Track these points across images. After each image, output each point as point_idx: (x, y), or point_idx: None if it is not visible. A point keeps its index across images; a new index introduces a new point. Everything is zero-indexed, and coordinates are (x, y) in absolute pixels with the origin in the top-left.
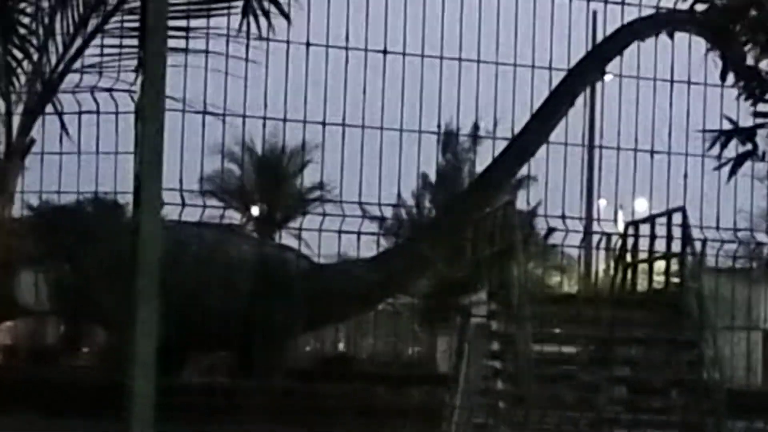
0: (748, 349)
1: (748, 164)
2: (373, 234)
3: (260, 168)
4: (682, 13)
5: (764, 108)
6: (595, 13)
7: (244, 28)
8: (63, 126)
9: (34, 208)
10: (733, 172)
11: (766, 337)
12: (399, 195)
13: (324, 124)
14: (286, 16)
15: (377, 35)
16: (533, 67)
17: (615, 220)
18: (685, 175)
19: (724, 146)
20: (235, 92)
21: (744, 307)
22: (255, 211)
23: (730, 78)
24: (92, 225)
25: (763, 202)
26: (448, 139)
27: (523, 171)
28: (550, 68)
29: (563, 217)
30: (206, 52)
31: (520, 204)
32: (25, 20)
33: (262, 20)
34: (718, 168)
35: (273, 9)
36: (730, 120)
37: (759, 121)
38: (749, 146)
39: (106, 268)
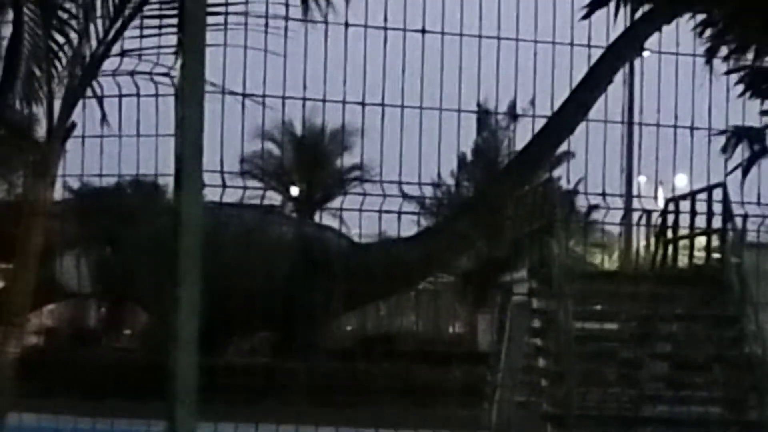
0: None
1: None
2: (413, 213)
3: (300, 149)
4: None
5: None
6: None
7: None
8: (102, 110)
9: (76, 192)
10: (745, 174)
11: None
12: (438, 175)
13: (363, 104)
14: None
15: (416, 15)
16: (572, 45)
17: (655, 197)
18: (724, 150)
19: (735, 146)
20: (275, 73)
21: None
22: (295, 191)
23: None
24: (133, 207)
25: None
26: (485, 118)
27: (563, 148)
28: (588, 46)
29: (603, 194)
30: (245, 28)
31: (560, 182)
32: (66, 4)
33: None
34: (730, 173)
35: None
36: (738, 127)
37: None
38: (759, 146)
39: (147, 250)
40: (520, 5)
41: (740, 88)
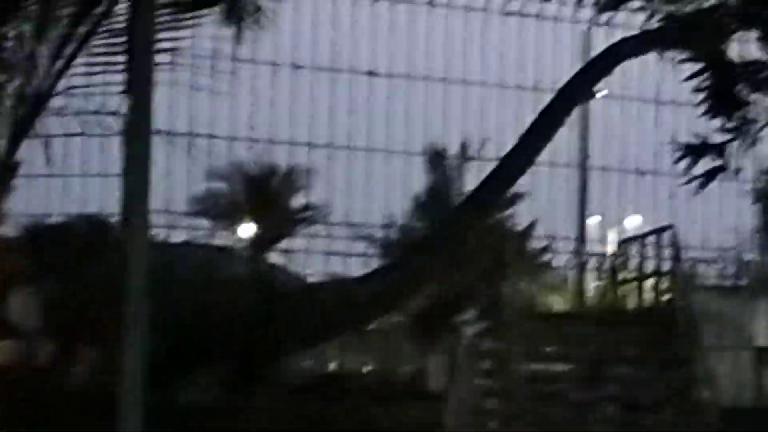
0: (740, 365)
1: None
2: (360, 255)
3: (252, 189)
4: (672, 32)
5: (733, 124)
6: (586, 33)
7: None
8: (48, 149)
9: (26, 228)
10: (702, 187)
11: (757, 355)
12: (387, 215)
13: (310, 145)
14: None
15: (364, 58)
16: (518, 87)
17: (602, 240)
18: (672, 195)
19: (695, 162)
20: (224, 114)
21: (735, 325)
22: (247, 231)
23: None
24: (84, 244)
25: (753, 219)
26: (436, 159)
27: (517, 189)
28: (535, 89)
29: (552, 237)
30: (192, 70)
31: (513, 222)
32: (9, 44)
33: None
34: (687, 182)
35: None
36: (699, 136)
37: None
38: (720, 162)
39: (98, 287)
40: (469, 49)
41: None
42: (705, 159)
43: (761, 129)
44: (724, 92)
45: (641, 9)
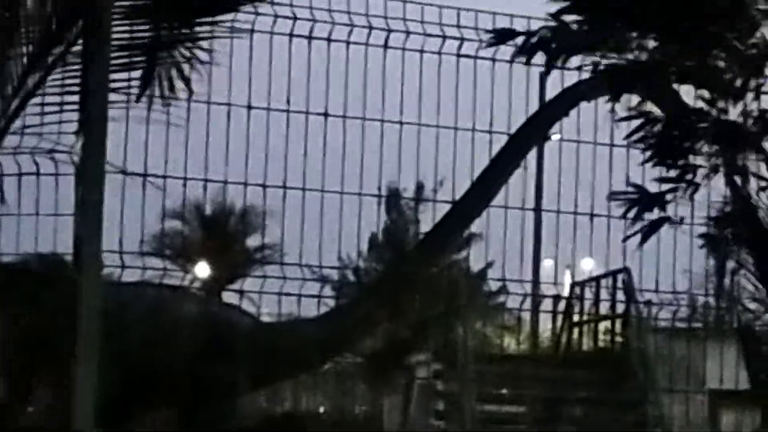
0: (694, 408)
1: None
2: (313, 297)
3: (206, 229)
4: (626, 74)
5: (671, 174)
6: (542, 75)
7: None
8: (1, 187)
9: None
10: (644, 239)
11: (710, 398)
12: (340, 256)
13: (264, 186)
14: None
15: (319, 98)
16: (473, 130)
17: (556, 282)
18: (625, 239)
19: (641, 213)
20: (177, 154)
21: (690, 368)
22: (201, 271)
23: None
24: (38, 282)
25: (707, 262)
26: (393, 200)
27: (472, 230)
28: (490, 132)
29: (505, 280)
30: (148, 110)
31: (468, 264)
32: None
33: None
34: (629, 237)
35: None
36: (636, 186)
37: (667, 186)
38: (663, 213)
39: (52, 325)
40: (424, 91)
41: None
42: (651, 210)
43: (703, 178)
44: (665, 141)
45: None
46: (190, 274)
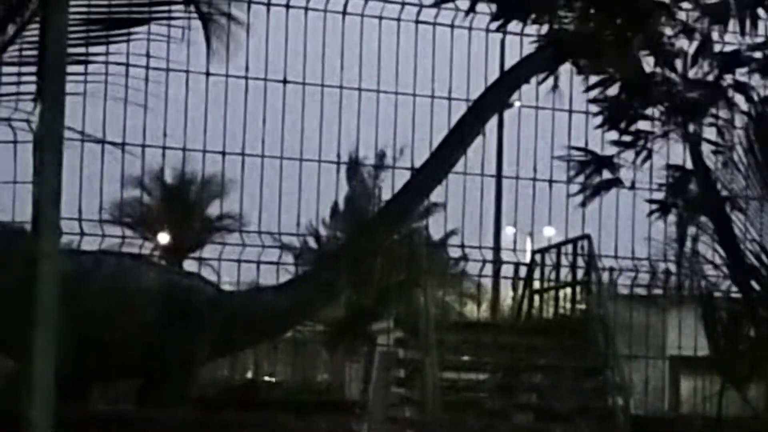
0: (654, 375)
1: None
2: (273, 263)
3: (169, 197)
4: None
5: (625, 138)
6: (502, 42)
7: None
8: None
9: None
10: (588, 199)
11: (670, 364)
12: (299, 224)
13: (224, 153)
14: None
15: (277, 64)
16: (432, 96)
17: (516, 249)
18: (583, 204)
19: (590, 176)
20: (137, 121)
21: (649, 335)
22: (162, 239)
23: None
24: None
25: (668, 228)
26: (354, 168)
27: (434, 198)
28: (449, 98)
29: (465, 246)
30: (106, 79)
31: (429, 232)
32: None
33: (162, 47)
34: (576, 194)
35: (173, 35)
36: (586, 150)
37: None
38: (612, 175)
39: (10, 295)
40: (383, 58)
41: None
42: (601, 172)
43: (655, 141)
44: (619, 105)
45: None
46: (150, 242)
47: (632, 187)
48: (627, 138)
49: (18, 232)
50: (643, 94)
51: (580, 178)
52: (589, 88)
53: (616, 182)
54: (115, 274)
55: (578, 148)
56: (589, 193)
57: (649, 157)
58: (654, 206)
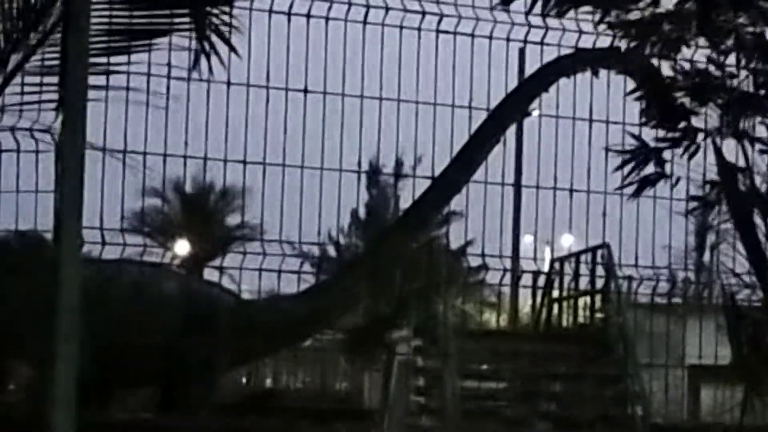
0: (673, 383)
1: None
2: (293, 272)
3: (187, 207)
4: (605, 51)
5: (674, 135)
6: (522, 51)
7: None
8: None
9: None
10: (637, 193)
11: (689, 373)
12: (319, 232)
13: (245, 162)
14: (233, 50)
15: (298, 74)
16: (453, 106)
17: (535, 258)
18: (604, 213)
19: (635, 169)
20: (158, 132)
21: (669, 343)
22: (182, 248)
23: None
24: (17, 260)
25: (688, 237)
26: (373, 177)
27: (453, 207)
28: (470, 107)
29: (485, 255)
30: (127, 89)
31: (448, 240)
32: None
33: (182, 58)
34: (622, 186)
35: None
36: (636, 137)
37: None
38: (658, 169)
39: (31, 304)
40: (404, 67)
41: None
42: (646, 167)
43: (704, 139)
44: (664, 104)
45: (590, 13)
46: (170, 251)
47: (676, 183)
48: (675, 134)
49: (39, 241)
50: (696, 92)
51: (623, 164)
52: (634, 90)
53: (664, 176)
54: (136, 282)
55: (633, 136)
56: (638, 186)
57: (696, 152)
58: (693, 204)
